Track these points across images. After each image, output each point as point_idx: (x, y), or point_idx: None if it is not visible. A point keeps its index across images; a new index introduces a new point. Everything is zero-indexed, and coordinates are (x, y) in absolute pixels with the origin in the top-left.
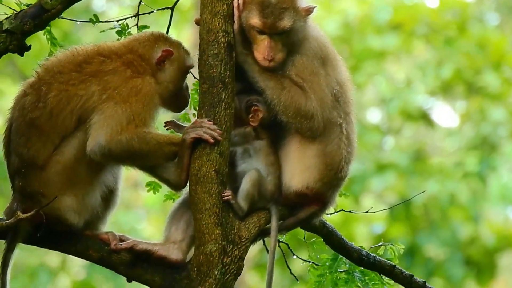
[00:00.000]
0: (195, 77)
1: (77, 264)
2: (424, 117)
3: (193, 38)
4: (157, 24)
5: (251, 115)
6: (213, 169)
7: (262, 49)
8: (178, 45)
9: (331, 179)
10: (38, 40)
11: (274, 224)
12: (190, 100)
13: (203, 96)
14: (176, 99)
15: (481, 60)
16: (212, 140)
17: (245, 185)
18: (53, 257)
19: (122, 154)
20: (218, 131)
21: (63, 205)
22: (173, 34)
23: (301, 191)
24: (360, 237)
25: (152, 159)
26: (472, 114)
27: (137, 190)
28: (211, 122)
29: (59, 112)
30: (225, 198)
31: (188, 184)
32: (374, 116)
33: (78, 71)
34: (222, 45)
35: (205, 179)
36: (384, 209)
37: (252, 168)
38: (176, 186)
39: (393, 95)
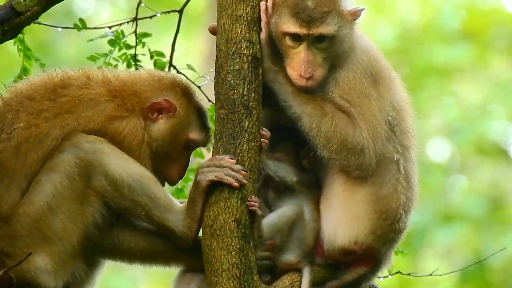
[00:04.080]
0: (210, 100)
1: None
2: (503, 153)
3: (208, 49)
4: (160, 31)
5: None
6: (233, 219)
7: (298, 64)
8: (194, 107)
9: (386, 232)
10: (7, 52)
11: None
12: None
13: (220, 125)
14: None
15: None
16: (237, 184)
17: (276, 215)
18: None
19: None
20: (243, 172)
21: (33, 267)
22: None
23: (348, 247)
24: None
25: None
26: None
27: None
28: (234, 161)
29: (28, 151)
30: (251, 205)
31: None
32: (438, 151)
33: (52, 100)
34: (245, 58)
35: (222, 232)
36: (452, 272)
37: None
38: (184, 240)
39: (464, 123)
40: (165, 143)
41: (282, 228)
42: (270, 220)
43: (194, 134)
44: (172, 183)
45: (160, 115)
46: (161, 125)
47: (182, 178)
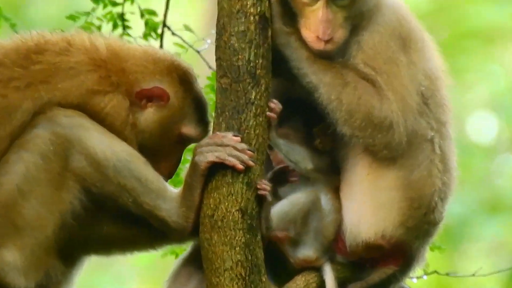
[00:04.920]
0: (210, 67)
1: None
2: None
3: (209, 8)
4: None
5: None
6: (237, 208)
7: (315, 24)
8: (191, 98)
9: (418, 223)
10: None
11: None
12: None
13: (223, 96)
14: None
15: None
16: (241, 166)
17: (287, 202)
18: None
19: None
20: (249, 152)
21: (1, 263)
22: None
23: (373, 242)
24: None
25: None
26: None
27: None
28: (239, 139)
29: None
30: (263, 189)
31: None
32: (482, 128)
33: (24, 67)
34: (252, 18)
35: (224, 223)
36: (498, 271)
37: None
38: (180, 232)
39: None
40: (153, 136)
41: (295, 217)
42: (280, 208)
43: (189, 129)
44: None
45: (150, 103)
46: (149, 115)
47: (172, 176)
